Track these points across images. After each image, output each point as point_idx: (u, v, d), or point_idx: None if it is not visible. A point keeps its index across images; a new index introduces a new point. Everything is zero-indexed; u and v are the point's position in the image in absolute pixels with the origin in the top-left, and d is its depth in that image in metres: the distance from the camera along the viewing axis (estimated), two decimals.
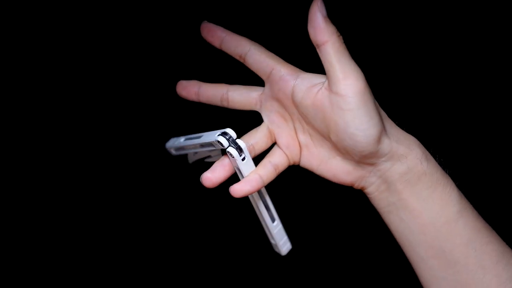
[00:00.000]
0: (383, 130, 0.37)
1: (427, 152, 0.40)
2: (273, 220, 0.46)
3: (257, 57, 0.40)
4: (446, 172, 0.40)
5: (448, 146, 0.73)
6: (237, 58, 0.41)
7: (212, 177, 0.40)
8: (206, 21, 0.41)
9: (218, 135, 0.39)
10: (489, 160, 0.79)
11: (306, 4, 0.35)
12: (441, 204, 0.39)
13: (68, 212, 0.80)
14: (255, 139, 0.42)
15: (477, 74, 0.78)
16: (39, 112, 0.77)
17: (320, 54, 0.36)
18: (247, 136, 0.43)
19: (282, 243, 0.48)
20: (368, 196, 0.42)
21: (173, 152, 0.48)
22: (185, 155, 0.47)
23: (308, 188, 0.79)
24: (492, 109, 0.79)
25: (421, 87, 0.80)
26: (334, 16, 0.36)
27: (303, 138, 0.42)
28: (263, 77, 0.41)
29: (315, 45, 0.36)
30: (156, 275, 0.83)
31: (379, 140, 0.37)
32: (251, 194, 0.41)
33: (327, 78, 0.36)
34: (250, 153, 0.41)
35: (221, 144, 0.39)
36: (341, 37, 0.35)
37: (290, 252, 0.48)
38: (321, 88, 0.37)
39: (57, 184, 0.80)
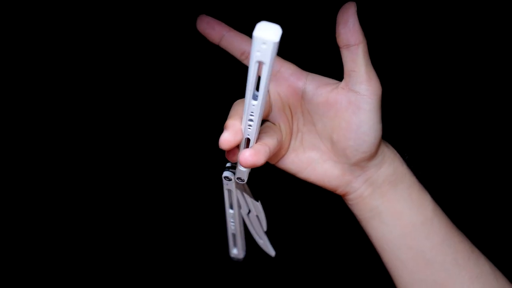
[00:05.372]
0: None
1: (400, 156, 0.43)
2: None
3: None
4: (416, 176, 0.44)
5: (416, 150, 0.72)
6: (238, 55, 0.40)
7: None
8: (204, 14, 0.39)
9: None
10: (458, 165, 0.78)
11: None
12: (419, 204, 0.42)
13: (68, 212, 0.81)
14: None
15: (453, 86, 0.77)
16: (39, 112, 0.77)
17: (346, 54, 0.37)
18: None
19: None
20: (349, 203, 0.44)
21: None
22: None
23: (292, 189, 0.79)
24: (465, 119, 0.78)
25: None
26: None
27: (294, 142, 0.42)
28: None
29: (342, 45, 0.37)
30: (154, 274, 0.83)
31: (379, 143, 0.40)
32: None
33: (348, 78, 0.38)
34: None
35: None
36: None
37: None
38: (336, 88, 0.39)
39: (57, 183, 0.80)
